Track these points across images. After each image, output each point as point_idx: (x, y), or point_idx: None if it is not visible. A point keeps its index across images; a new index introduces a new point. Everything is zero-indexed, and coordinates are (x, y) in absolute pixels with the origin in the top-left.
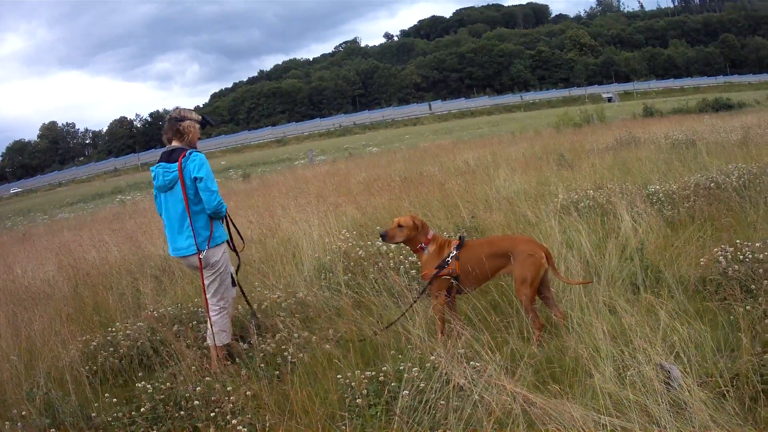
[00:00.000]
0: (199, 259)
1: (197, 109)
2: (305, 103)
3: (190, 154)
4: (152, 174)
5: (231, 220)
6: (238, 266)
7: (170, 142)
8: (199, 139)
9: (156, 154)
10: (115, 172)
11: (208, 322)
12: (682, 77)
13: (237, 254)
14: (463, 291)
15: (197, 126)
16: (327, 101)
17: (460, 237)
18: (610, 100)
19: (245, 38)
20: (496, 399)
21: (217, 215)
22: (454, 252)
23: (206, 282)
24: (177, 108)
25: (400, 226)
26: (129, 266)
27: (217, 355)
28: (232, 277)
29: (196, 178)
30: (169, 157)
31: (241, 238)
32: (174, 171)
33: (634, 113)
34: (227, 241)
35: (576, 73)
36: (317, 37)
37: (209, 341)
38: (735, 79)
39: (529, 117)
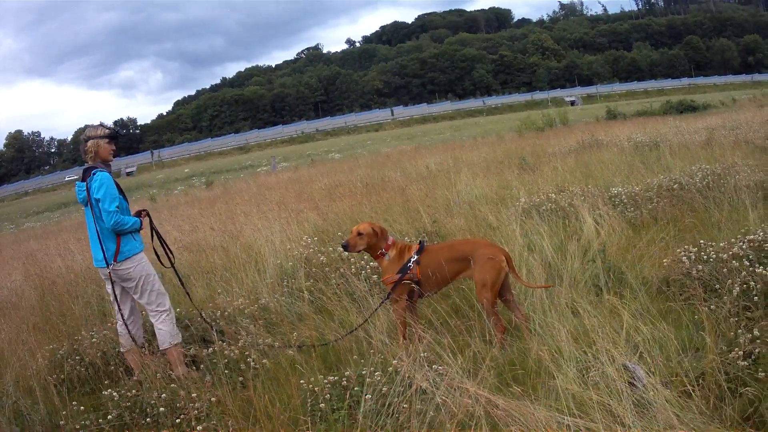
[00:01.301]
0: (109, 272)
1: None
2: (267, 110)
3: (94, 174)
4: (75, 190)
5: (158, 234)
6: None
7: (86, 161)
8: (113, 152)
9: (121, 162)
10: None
11: (123, 329)
12: (646, 80)
13: (169, 264)
14: (424, 295)
15: (103, 142)
16: (289, 108)
17: (420, 242)
18: (573, 103)
19: (207, 46)
20: (459, 402)
21: (121, 232)
22: (415, 257)
23: (136, 294)
24: (87, 127)
25: (359, 234)
26: (93, 275)
27: (177, 356)
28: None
29: (96, 199)
30: (83, 175)
31: (170, 251)
32: (83, 190)
33: (597, 116)
34: (151, 251)
35: (539, 77)
36: (279, 45)
37: (123, 348)
38: (700, 81)
39: (492, 121)
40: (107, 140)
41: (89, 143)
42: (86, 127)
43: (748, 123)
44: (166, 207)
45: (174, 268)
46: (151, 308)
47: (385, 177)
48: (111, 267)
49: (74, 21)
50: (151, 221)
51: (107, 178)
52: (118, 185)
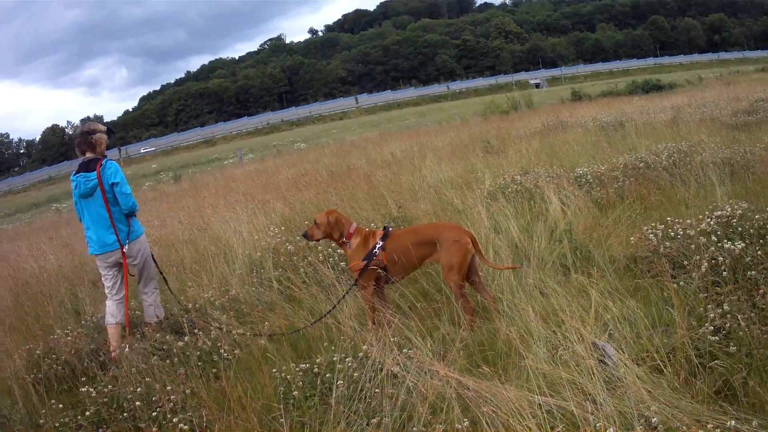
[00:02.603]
0: (122, 252)
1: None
2: (232, 102)
3: (105, 162)
4: (73, 183)
5: None
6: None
7: (84, 154)
8: (109, 147)
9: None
10: (50, 180)
11: (112, 304)
12: (611, 60)
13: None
14: (391, 281)
15: (105, 136)
16: (254, 99)
17: (385, 227)
18: (538, 86)
19: (171, 40)
20: (429, 384)
21: (132, 213)
22: (380, 243)
23: (135, 271)
24: (86, 122)
25: (316, 223)
26: (66, 274)
27: (151, 328)
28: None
29: (113, 184)
30: (87, 166)
31: None
32: (94, 179)
33: (562, 98)
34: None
35: (502, 61)
36: (242, 36)
37: (111, 320)
38: (665, 60)
39: (456, 106)
40: (106, 135)
41: (97, 136)
42: (85, 122)
43: (715, 101)
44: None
45: (153, 256)
46: (145, 286)
47: (350, 165)
48: (126, 247)
49: (38, 19)
50: None
51: (118, 165)
52: None
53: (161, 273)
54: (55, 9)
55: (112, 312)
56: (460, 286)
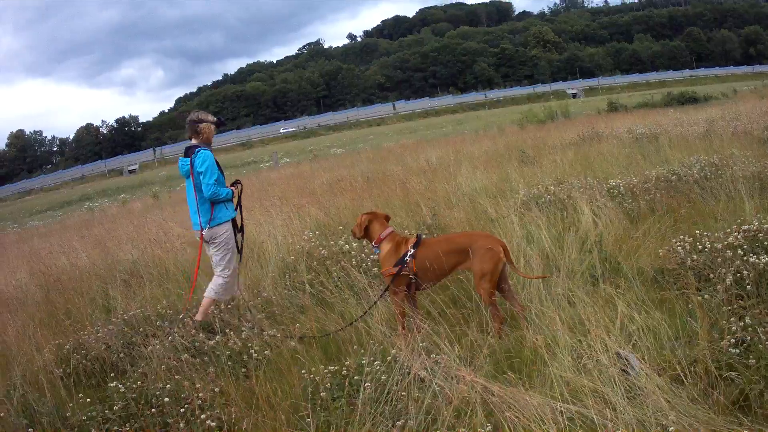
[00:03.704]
0: (201, 234)
1: (161, 114)
2: (269, 105)
3: (198, 151)
4: (178, 164)
5: (240, 201)
6: (242, 244)
7: (190, 138)
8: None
9: (124, 160)
10: (83, 179)
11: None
12: (648, 72)
13: (241, 233)
14: (422, 288)
15: (213, 126)
16: (291, 103)
17: (417, 235)
18: (574, 96)
19: (208, 42)
20: (455, 389)
21: (215, 200)
22: (412, 251)
23: (212, 254)
24: (196, 111)
25: (358, 224)
26: (98, 271)
27: (207, 308)
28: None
29: (199, 172)
30: (187, 152)
31: (242, 218)
32: (187, 164)
33: (598, 108)
34: (233, 222)
35: (540, 70)
36: (280, 40)
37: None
38: (701, 72)
39: (494, 115)
40: (214, 125)
41: (203, 125)
42: (196, 110)
43: (748, 114)
44: (169, 204)
45: (243, 233)
46: (219, 266)
47: (386, 171)
48: (205, 230)
49: (74, 18)
50: (240, 192)
51: (210, 155)
52: (217, 162)
53: (240, 253)
54: (91, 9)
55: (219, 289)
56: (491, 294)
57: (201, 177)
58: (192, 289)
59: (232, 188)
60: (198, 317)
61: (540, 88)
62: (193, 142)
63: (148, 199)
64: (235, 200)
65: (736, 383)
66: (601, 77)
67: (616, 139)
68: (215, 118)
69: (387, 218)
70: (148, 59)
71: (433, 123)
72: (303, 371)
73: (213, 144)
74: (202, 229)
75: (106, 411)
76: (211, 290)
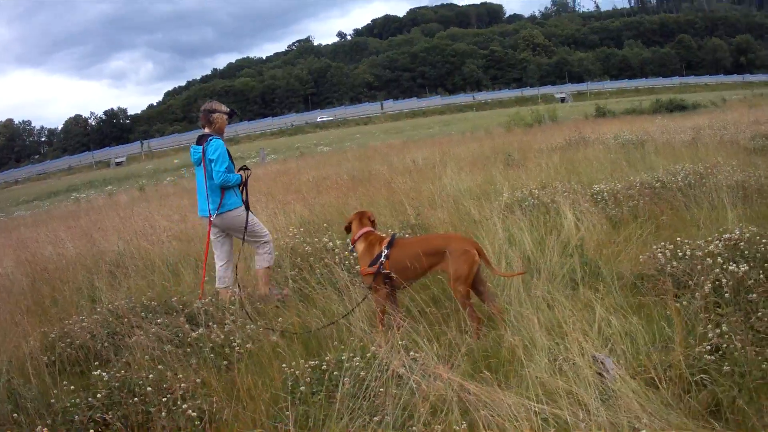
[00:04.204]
0: (210, 220)
1: (150, 107)
2: (258, 101)
3: (211, 140)
4: (190, 152)
5: (246, 185)
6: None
7: (203, 127)
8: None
9: (111, 152)
10: (70, 170)
11: (221, 270)
12: (637, 78)
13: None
14: (397, 287)
15: (225, 117)
16: (279, 100)
17: (392, 235)
18: (563, 100)
19: (199, 37)
20: (432, 386)
21: (226, 186)
22: (386, 251)
23: (240, 237)
24: (211, 101)
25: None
26: (84, 261)
27: (266, 280)
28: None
29: (210, 160)
30: (199, 140)
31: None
32: (199, 152)
33: (586, 113)
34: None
35: (529, 73)
36: (270, 37)
37: (219, 285)
38: (691, 80)
39: (481, 117)
40: (227, 116)
41: (215, 115)
42: (210, 101)
43: (736, 123)
44: (155, 197)
45: (248, 211)
46: (254, 243)
47: (372, 170)
48: (213, 216)
49: (67, 10)
50: (246, 177)
51: (222, 144)
52: (228, 151)
53: (244, 236)
54: (84, 1)
55: (220, 276)
56: (466, 296)
57: (212, 165)
58: (203, 273)
59: (242, 173)
60: (262, 290)
61: (528, 92)
62: (206, 131)
63: (135, 192)
64: (241, 185)
65: (709, 389)
66: (589, 82)
67: (603, 145)
68: (228, 109)
69: (372, 219)
70: (139, 52)
71: (420, 123)
72: (284, 365)
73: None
74: (210, 215)
75: (90, 398)
76: (259, 264)
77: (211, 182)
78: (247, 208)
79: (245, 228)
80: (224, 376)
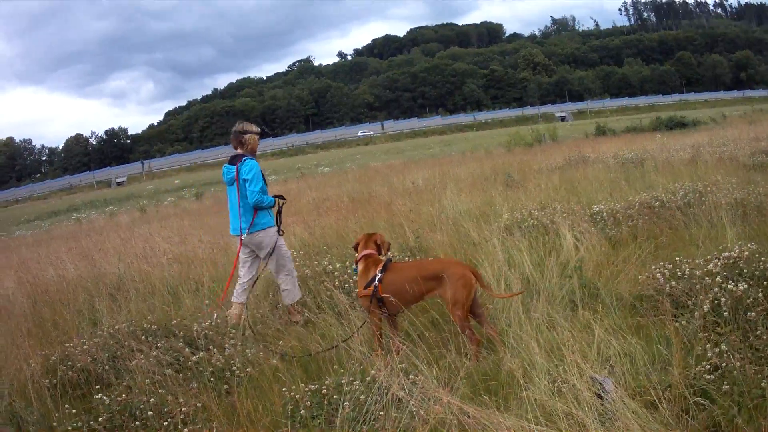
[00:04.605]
0: (241, 238)
1: (150, 126)
2: (258, 122)
3: (245, 160)
4: (223, 171)
5: (279, 212)
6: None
7: (235, 149)
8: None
9: (112, 171)
10: (71, 189)
11: (241, 285)
12: (637, 96)
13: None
14: (396, 312)
15: (256, 137)
16: (280, 120)
17: (387, 260)
18: (563, 119)
19: (198, 57)
20: (432, 410)
21: (259, 207)
22: (379, 275)
23: (266, 259)
24: (242, 122)
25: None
26: (85, 284)
27: (295, 309)
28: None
29: (244, 180)
30: (232, 160)
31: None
32: (233, 172)
33: (586, 132)
34: (275, 227)
35: (529, 93)
36: (270, 57)
37: (234, 299)
38: (691, 97)
39: (482, 137)
40: (258, 137)
41: (247, 136)
42: (241, 122)
43: (735, 140)
44: (156, 218)
45: (279, 236)
46: (278, 273)
47: (372, 192)
48: (244, 235)
49: (67, 28)
50: (281, 205)
51: (256, 165)
52: (262, 171)
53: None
54: (84, 19)
55: (238, 292)
56: (463, 319)
57: (246, 184)
58: (226, 288)
59: (278, 200)
60: (295, 319)
61: (529, 111)
62: (239, 151)
63: (135, 213)
64: (275, 209)
65: (709, 409)
66: (590, 101)
67: (602, 164)
68: (259, 129)
69: (378, 242)
70: (139, 72)
71: (420, 144)
72: (284, 389)
73: (202, 159)
74: (242, 233)
75: (91, 422)
76: (287, 299)
77: (245, 202)
78: (279, 232)
79: (272, 250)
80: (224, 400)
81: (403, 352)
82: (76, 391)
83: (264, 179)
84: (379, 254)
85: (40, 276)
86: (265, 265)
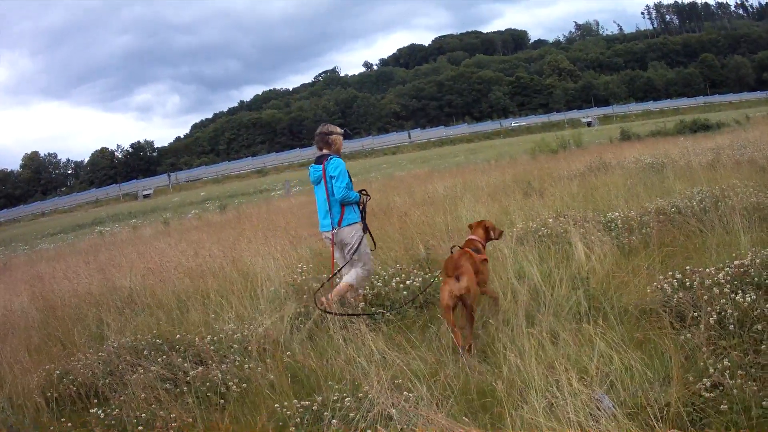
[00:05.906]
0: (332, 233)
1: (177, 139)
2: (285, 133)
3: (331, 159)
4: (309, 171)
5: (364, 208)
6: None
7: (321, 150)
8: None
9: (138, 184)
10: (96, 202)
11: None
12: (662, 99)
13: (369, 232)
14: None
15: (341, 137)
16: (307, 131)
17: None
18: (589, 124)
19: (224, 69)
20: (424, 427)
21: (346, 203)
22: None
23: (347, 254)
24: (326, 124)
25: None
26: (95, 299)
27: (344, 292)
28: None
29: (331, 177)
30: (318, 160)
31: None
32: (319, 171)
33: (611, 137)
34: (361, 223)
35: (555, 99)
36: (296, 68)
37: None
38: (715, 99)
39: (508, 144)
40: (342, 136)
41: (333, 137)
42: (324, 124)
43: (756, 142)
44: (177, 231)
45: (369, 233)
46: (359, 263)
47: (391, 202)
48: (336, 230)
49: (90, 43)
50: (365, 202)
51: (342, 163)
52: (347, 169)
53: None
54: (107, 34)
55: (346, 274)
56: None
57: (333, 181)
58: (331, 285)
59: (362, 197)
60: (333, 296)
61: (555, 117)
62: (324, 152)
63: (159, 225)
64: (360, 206)
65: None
66: (615, 105)
67: (623, 170)
68: (342, 130)
69: (486, 228)
70: (164, 85)
71: (447, 152)
72: (276, 405)
73: (228, 171)
74: (333, 229)
75: None
76: (351, 276)
77: (333, 198)
78: (365, 231)
79: (357, 246)
80: (216, 416)
81: (397, 366)
82: (77, 405)
83: (349, 176)
84: (488, 239)
85: (54, 290)
86: (349, 260)
